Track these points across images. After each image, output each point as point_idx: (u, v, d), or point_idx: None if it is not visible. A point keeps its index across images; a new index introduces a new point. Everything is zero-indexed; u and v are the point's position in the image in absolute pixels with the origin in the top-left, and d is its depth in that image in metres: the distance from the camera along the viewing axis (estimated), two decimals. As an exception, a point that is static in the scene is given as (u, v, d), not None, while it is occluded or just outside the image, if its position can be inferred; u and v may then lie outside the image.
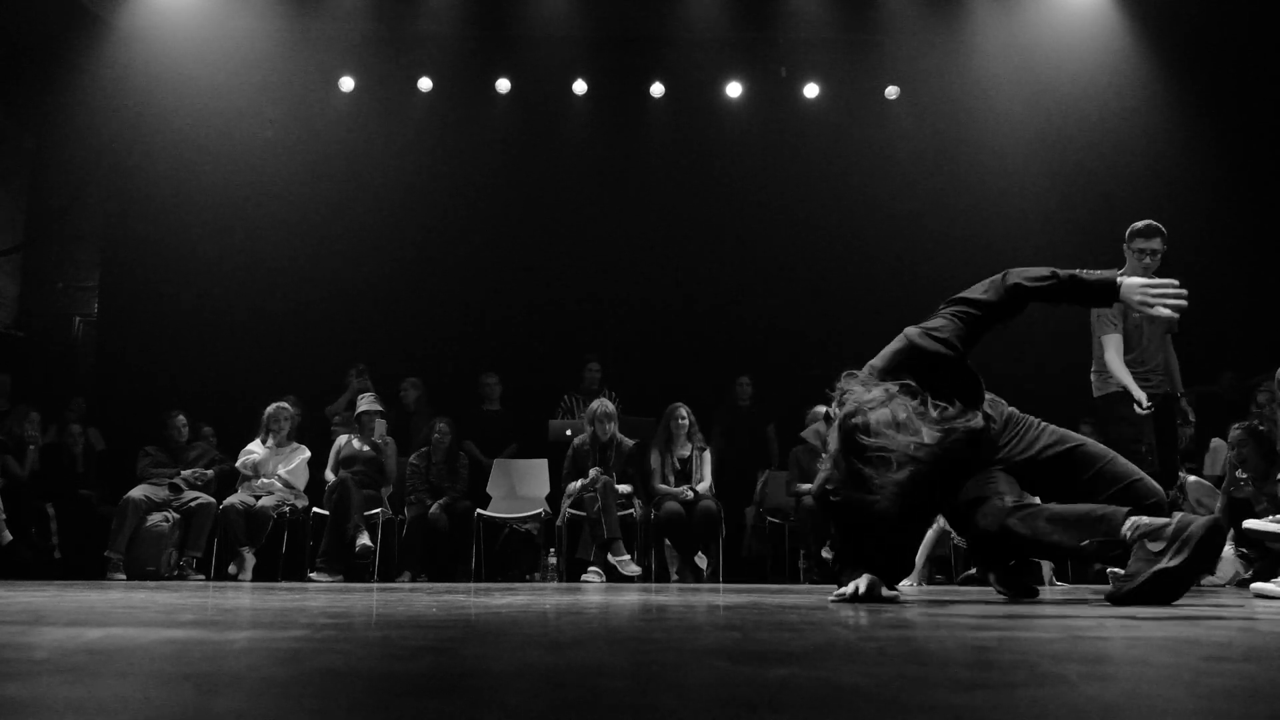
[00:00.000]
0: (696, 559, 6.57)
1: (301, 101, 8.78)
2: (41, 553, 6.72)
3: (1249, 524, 4.06)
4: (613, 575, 6.18)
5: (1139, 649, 1.62)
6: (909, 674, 1.24)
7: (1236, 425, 5.64)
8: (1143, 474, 3.08)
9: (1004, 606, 2.92)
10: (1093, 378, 5.04)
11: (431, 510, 6.70)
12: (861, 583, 2.98)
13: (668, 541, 6.73)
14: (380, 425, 6.90)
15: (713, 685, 1.11)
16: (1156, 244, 4.95)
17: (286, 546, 6.65)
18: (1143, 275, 4.39)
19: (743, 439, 7.71)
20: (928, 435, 2.61)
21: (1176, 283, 3.09)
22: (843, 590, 3.01)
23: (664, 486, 6.72)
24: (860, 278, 8.49)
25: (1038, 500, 3.08)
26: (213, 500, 6.58)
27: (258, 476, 6.71)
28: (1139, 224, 5.05)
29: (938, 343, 3.03)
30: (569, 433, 7.10)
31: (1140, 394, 4.72)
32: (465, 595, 3.66)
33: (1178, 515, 2.66)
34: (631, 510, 6.55)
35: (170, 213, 8.49)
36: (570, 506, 6.53)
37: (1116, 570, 3.03)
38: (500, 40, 8.83)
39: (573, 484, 6.54)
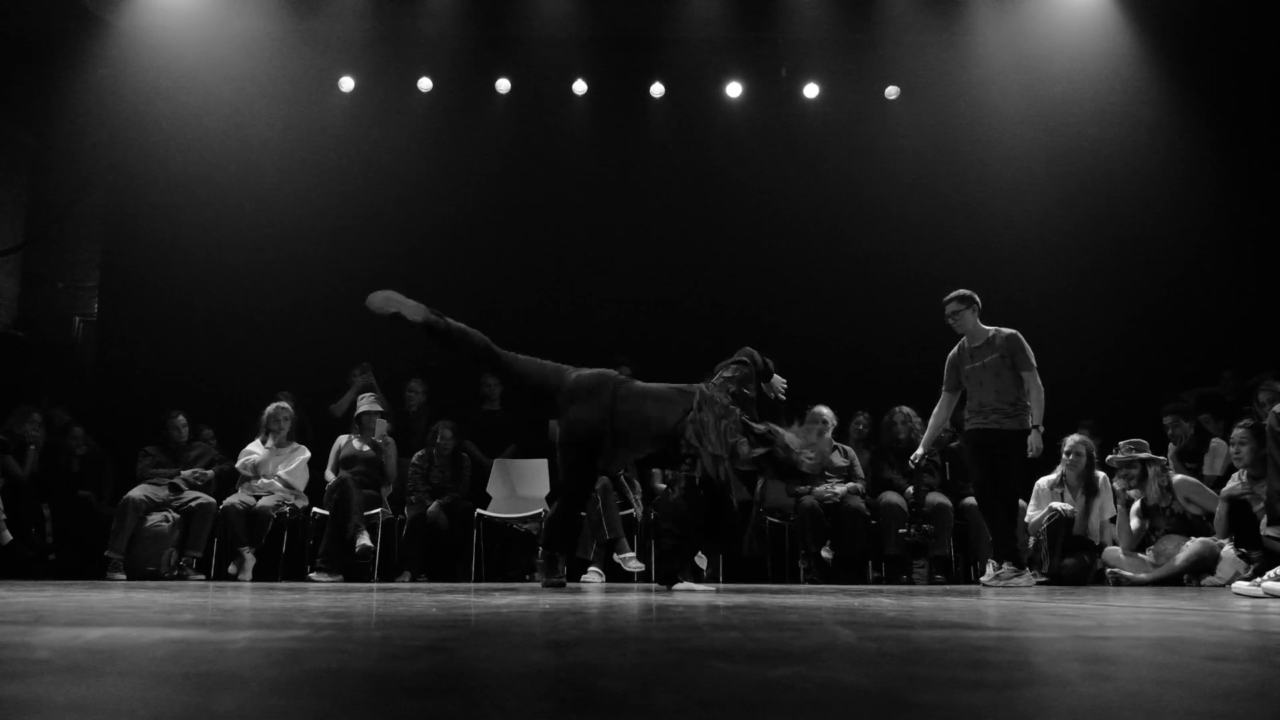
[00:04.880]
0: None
1: (301, 101, 8.76)
2: (39, 553, 6.72)
3: (1238, 586, 4.10)
4: (613, 575, 6.18)
5: (1139, 649, 1.62)
6: (909, 674, 1.24)
7: (1240, 424, 5.64)
8: None
9: (1004, 606, 2.92)
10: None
11: (430, 509, 6.70)
12: None
13: (668, 541, 6.73)
14: (381, 425, 6.89)
15: (713, 685, 1.11)
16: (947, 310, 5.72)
17: (286, 546, 6.64)
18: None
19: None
20: None
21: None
22: None
23: (664, 486, 6.71)
24: (860, 277, 8.48)
25: None
26: (213, 500, 6.57)
27: (258, 477, 6.70)
28: None
29: None
30: (569, 433, 7.07)
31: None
32: (465, 595, 3.66)
33: None
34: (632, 510, 6.54)
35: (170, 213, 8.47)
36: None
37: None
38: (500, 40, 8.81)
39: None
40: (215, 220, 8.48)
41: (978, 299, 5.67)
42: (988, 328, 5.65)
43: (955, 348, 5.76)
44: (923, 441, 5.89)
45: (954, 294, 5.69)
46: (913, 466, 6.05)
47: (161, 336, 8.35)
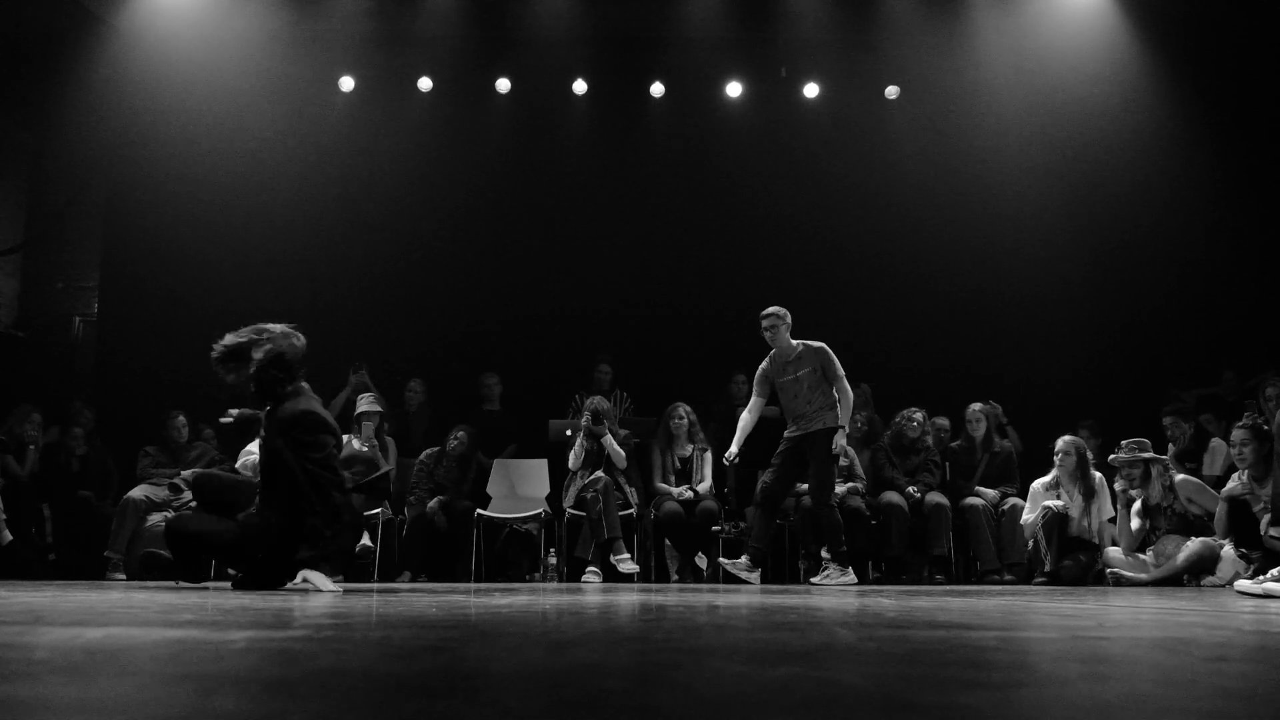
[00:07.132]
0: (696, 559, 6.56)
1: (301, 101, 8.76)
2: (39, 553, 6.72)
3: (1240, 585, 4.10)
4: (611, 575, 6.18)
5: (1139, 649, 1.62)
6: (909, 674, 1.24)
7: (1240, 424, 5.63)
8: None
9: (1003, 606, 2.92)
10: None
11: (430, 506, 6.68)
12: None
13: (668, 541, 6.72)
14: (367, 427, 6.86)
15: (713, 685, 1.11)
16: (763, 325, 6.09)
17: (286, 546, 6.63)
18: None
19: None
20: None
21: None
22: None
23: (664, 486, 6.71)
24: (861, 277, 8.48)
25: None
26: (213, 500, 6.56)
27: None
28: None
29: None
30: (569, 433, 7.09)
31: None
32: (465, 595, 3.66)
33: None
34: (631, 510, 6.54)
35: (170, 213, 8.46)
36: (570, 506, 6.54)
37: None
38: (500, 40, 8.81)
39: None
40: (215, 220, 8.47)
41: (789, 316, 6.11)
42: (796, 343, 6.08)
43: (766, 360, 6.15)
44: (735, 441, 6.11)
45: (770, 311, 6.08)
46: (727, 464, 6.17)
47: (161, 336, 8.33)
